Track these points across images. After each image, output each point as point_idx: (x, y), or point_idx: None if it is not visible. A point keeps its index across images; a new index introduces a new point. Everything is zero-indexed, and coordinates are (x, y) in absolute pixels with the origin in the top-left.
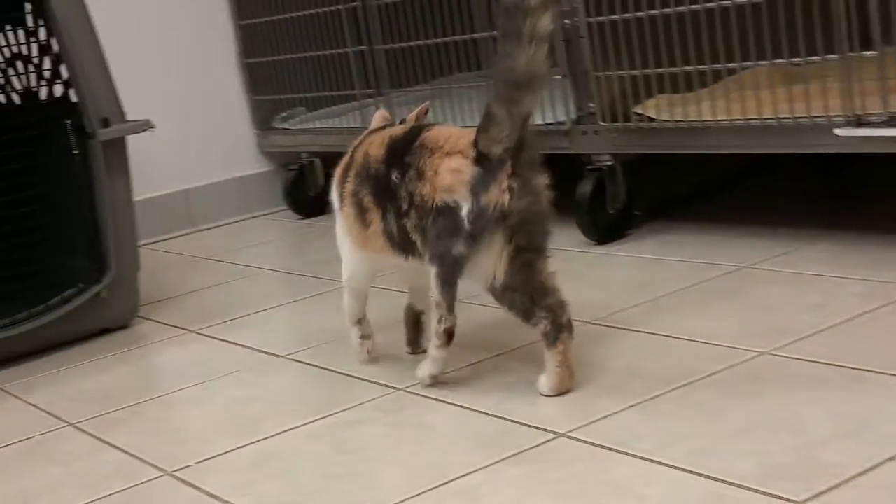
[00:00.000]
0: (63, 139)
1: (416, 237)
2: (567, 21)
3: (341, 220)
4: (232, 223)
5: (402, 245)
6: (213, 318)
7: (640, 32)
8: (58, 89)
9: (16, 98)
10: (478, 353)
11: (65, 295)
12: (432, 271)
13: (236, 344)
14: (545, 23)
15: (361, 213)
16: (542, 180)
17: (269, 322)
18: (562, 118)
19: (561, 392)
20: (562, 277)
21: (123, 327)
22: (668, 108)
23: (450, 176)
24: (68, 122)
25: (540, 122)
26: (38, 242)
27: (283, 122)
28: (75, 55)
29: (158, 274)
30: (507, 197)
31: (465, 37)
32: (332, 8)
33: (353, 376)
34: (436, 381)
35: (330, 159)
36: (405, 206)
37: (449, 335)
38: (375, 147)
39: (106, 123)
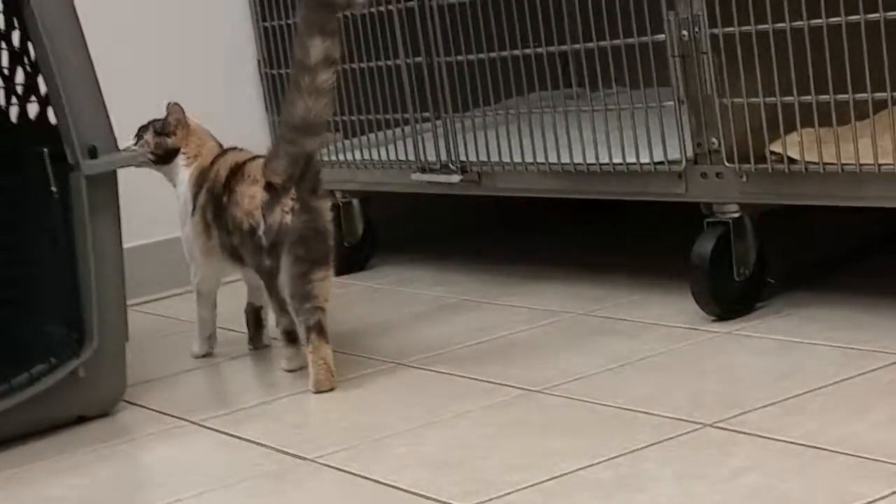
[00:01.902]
0: (37, 172)
1: (242, 251)
2: (685, 32)
3: (191, 226)
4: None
5: (235, 257)
6: (218, 406)
7: (781, 48)
8: (33, 109)
9: None
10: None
11: (32, 372)
12: (261, 283)
13: (249, 440)
14: (324, 78)
15: (207, 226)
16: (323, 203)
17: (292, 412)
18: (675, 156)
19: (321, 390)
20: (671, 362)
21: (105, 415)
22: (815, 146)
23: (248, 202)
24: (45, 150)
25: (646, 160)
26: (5, 304)
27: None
28: (57, 66)
29: (150, 345)
30: (289, 217)
31: (551, 48)
32: (382, 8)
33: (399, 488)
34: (291, 372)
35: (373, 201)
36: (231, 226)
37: (287, 334)
38: (224, 169)
39: (93, 153)
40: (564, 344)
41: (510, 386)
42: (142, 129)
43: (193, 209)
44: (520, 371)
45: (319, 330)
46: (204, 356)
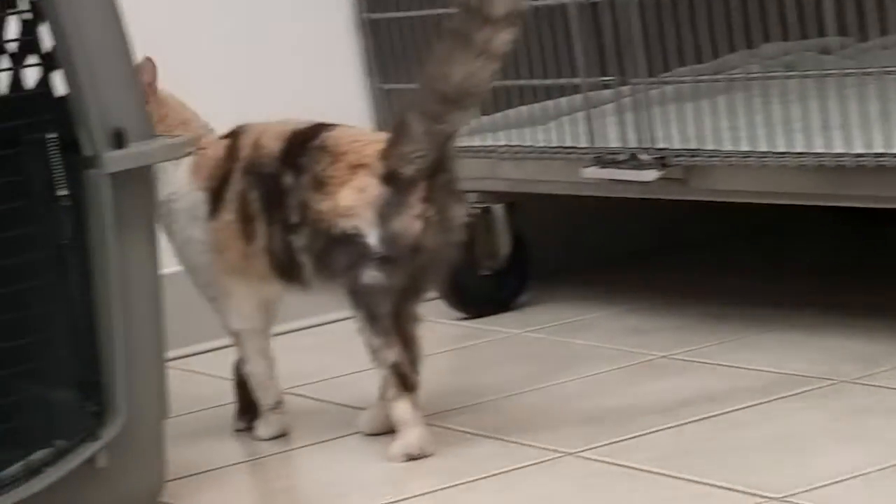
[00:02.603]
0: (38, 167)
1: (304, 260)
2: None
3: (213, 232)
4: (330, 324)
5: (285, 269)
6: None
7: None
8: (32, 75)
9: None
10: None
11: (29, 461)
12: (354, 312)
13: None
14: (506, 38)
15: (247, 224)
16: (460, 213)
17: None
18: None
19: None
20: None
21: None
22: None
23: (350, 195)
24: (52, 136)
25: (859, 150)
26: None
27: None
28: (70, 13)
29: (200, 421)
30: (418, 226)
31: None
32: None
33: None
34: (413, 455)
35: (525, 208)
36: (295, 220)
37: (399, 376)
38: (271, 138)
39: (120, 140)
40: (815, 429)
41: (736, 491)
42: None
43: (214, 208)
44: (749, 470)
45: (417, 382)
46: (277, 437)
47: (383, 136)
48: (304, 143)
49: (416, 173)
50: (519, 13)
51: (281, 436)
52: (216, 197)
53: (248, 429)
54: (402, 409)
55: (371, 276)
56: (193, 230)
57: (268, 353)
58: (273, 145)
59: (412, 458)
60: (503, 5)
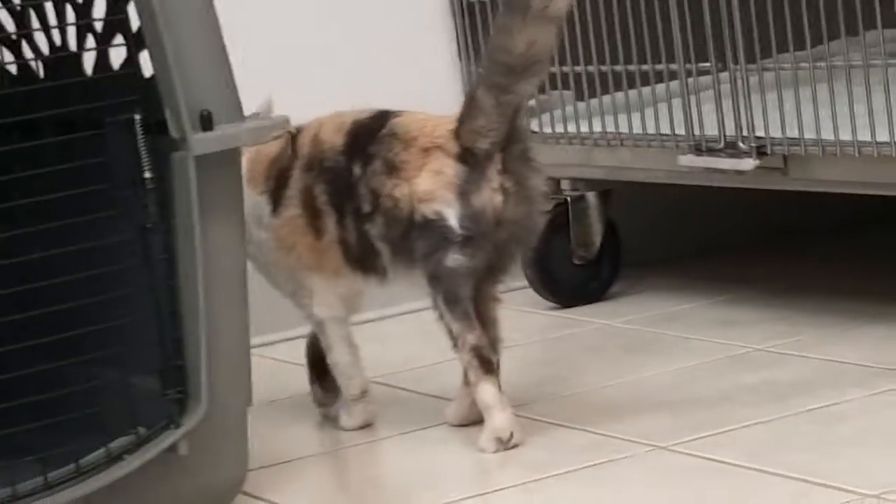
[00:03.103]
0: (122, 148)
1: (381, 248)
2: None
3: (278, 229)
4: (422, 310)
5: (361, 259)
6: None
7: None
8: (118, 55)
9: (32, 65)
10: None
11: (110, 447)
12: (433, 297)
13: None
14: (561, 3)
15: (314, 217)
16: (540, 182)
17: None
18: None
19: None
20: None
21: None
22: None
23: (428, 178)
24: (136, 116)
25: None
26: (64, 346)
27: (529, 119)
28: None
29: (283, 410)
30: (499, 199)
31: None
32: None
33: None
34: (503, 439)
35: (618, 196)
36: (368, 208)
37: (481, 359)
38: (330, 132)
39: (207, 122)
40: None
41: (831, 487)
42: None
43: (276, 207)
44: (844, 466)
45: (497, 365)
46: (362, 427)
47: (451, 117)
48: (372, 133)
49: (491, 146)
50: None
51: (366, 426)
52: (276, 196)
53: (326, 404)
54: (486, 392)
55: (454, 259)
56: (260, 232)
57: (351, 340)
58: (335, 139)
59: (502, 443)
60: None
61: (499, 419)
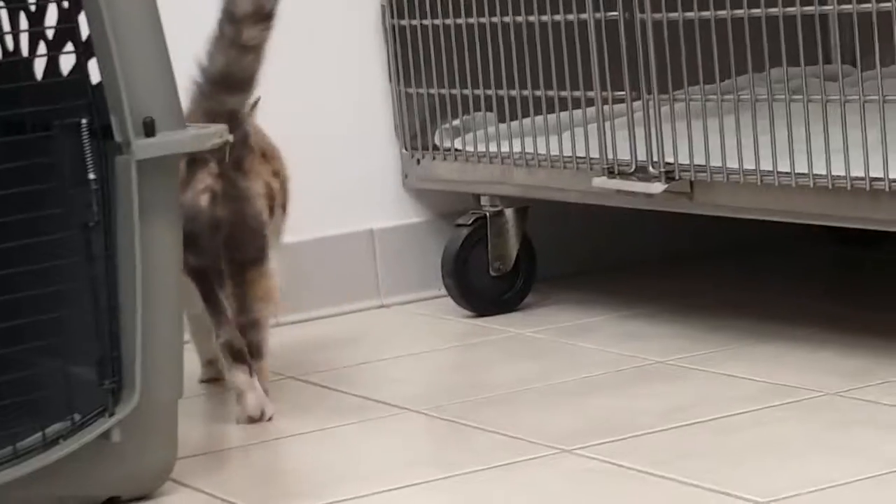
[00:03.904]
0: (70, 151)
1: None
2: None
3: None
4: (348, 314)
5: None
6: (304, 496)
7: None
8: (67, 62)
9: None
10: None
11: (46, 432)
12: None
13: None
14: (252, 34)
15: None
16: (251, 185)
17: None
18: None
19: (257, 419)
20: None
21: (145, 498)
22: None
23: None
24: (83, 121)
25: (857, 174)
26: (6, 335)
27: (453, 138)
28: (107, 3)
29: (210, 403)
30: (206, 199)
31: (807, 8)
32: None
33: None
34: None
35: (534, 213)
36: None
37: (231, 350)
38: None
39: (150, 129)
40: (804, 438)
41: (724, 494)
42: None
43: None
44: (738, 474)
45: (258, 350)
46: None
47: None
48: None
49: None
50: (262, 13)
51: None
52: None
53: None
54: (237, 377)
55: (185, 258)
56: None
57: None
58: None
59: (255, 420)
60: (244, 5)
61: (249, 400)
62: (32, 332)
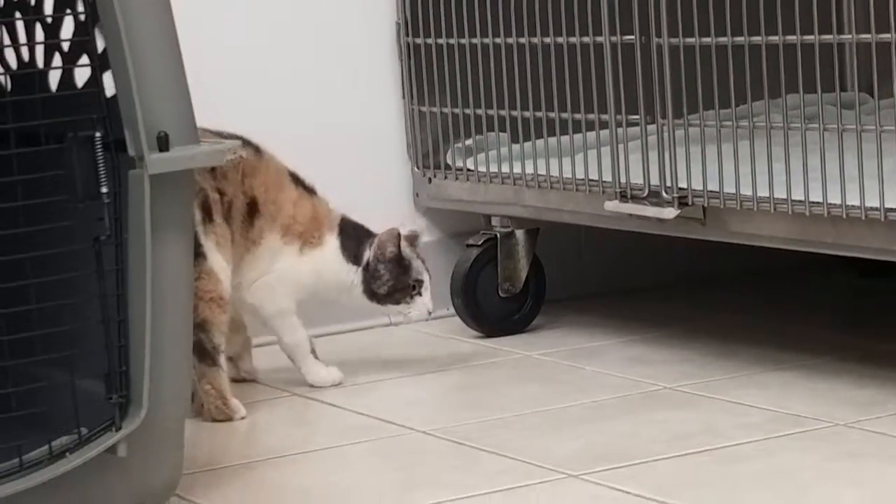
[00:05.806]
0: (83, 164)
1: None
2: None
3: None
4: (357, 331)
5: None
6: None
7: None
8: (82, 74)
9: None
10: None
11: (52, 445)
12: None
13: None
14: None
15: None
16: None
17: None
18: None
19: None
20: None
21: None
22: None
23: None
24: (97, 134)
25: (872, 204)
26: (14, 348)
27: (466, 157)
28: (122, 14)
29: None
30: None
31: (825, 37)
32: None
33: None
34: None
35: (546, 235)
36: None
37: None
38: None
39: (163, 144)
40: (811, 468)
41: None
42: None
43: None
44: (742, 503)
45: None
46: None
47: None
48: None
49: None
50: None
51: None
52: None
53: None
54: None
55: None
56: None
57: None
58: None
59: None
60: None
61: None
62: (41, 345)
